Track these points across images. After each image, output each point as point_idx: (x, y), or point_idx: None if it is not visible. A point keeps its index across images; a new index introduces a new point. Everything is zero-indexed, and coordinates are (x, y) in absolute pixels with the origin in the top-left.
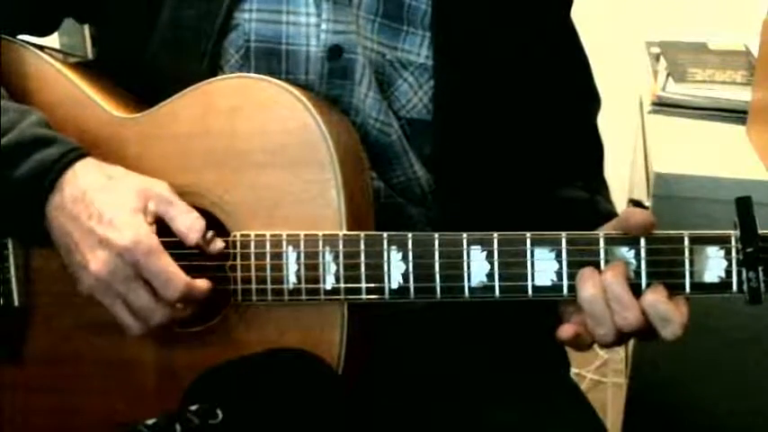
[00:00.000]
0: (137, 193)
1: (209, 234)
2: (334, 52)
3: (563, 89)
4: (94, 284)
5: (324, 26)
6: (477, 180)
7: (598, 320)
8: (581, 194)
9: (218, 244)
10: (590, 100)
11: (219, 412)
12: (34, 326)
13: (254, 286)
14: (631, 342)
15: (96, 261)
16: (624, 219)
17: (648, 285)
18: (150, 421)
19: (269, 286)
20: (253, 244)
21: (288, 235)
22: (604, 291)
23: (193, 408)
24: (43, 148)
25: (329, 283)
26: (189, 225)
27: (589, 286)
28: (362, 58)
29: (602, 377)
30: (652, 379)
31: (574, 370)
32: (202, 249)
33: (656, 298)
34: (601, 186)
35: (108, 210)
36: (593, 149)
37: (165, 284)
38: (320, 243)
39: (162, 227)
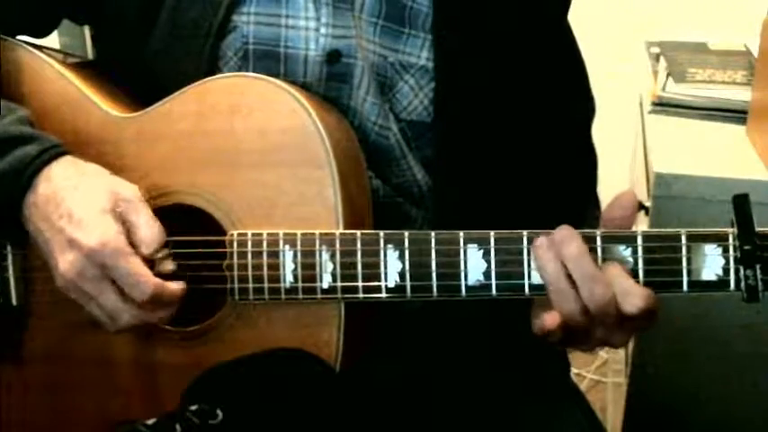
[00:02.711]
0: (107, 193)
1: (163, 252)
2: (333, 57)
3: (559, 94)
4: (65, 285)
5: (323, 30)
6: (476, 182)
7: (564, 296)
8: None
9: (168, 266)
10: (585, 106)
11: (219, 412)
12: (32, 324)
13: (250, 285)
14: (631, 342)
15: (64, 262)
16: (610, 206)
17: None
18: (150, 421)
19: (266, 285)
20: (249, 243)
21: (285, 234)
22: (565, 265)
23: (193, 408)
24: (22, 145)
25: (326, 282)
26: (143, 237)
27: (550, 260)
28: (362, 62)
29: (602, 377)
30: (652, 379)
31: (574, 370)
32: (154, 264)
33: (616, 272)
34: (591, 202)
35: (77, 209)
36: (587, 156)
37: (133, 286)
38: (317, 242)
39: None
